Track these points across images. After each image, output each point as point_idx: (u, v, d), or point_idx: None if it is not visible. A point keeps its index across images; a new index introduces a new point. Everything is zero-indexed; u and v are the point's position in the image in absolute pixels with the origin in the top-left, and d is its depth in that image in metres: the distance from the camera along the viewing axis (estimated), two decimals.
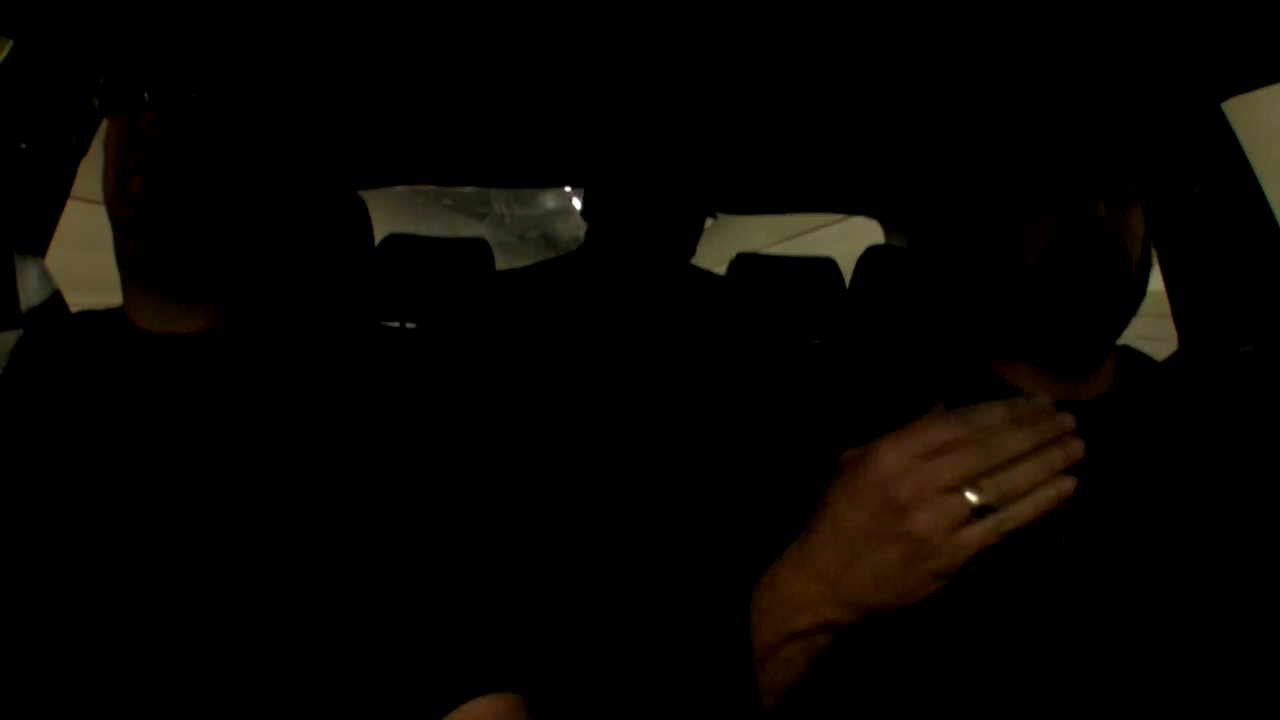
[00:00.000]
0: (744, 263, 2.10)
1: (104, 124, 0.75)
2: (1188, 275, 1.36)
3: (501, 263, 1.95)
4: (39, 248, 1.24)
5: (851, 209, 2.50)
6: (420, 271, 1.93)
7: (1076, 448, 0.53)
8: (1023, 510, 0.52)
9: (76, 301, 1.06)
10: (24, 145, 1.18)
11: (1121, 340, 0.76)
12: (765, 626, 0.59)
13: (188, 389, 0.71)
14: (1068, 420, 0.54)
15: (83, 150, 1.26)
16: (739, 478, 0.75)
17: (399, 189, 2.30)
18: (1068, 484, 0.52)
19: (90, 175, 1.23)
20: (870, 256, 2.00)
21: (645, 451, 1.25)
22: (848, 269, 2.05)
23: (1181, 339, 1.39)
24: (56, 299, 1.14)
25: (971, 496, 0.52)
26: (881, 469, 0.54)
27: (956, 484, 0.52)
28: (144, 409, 0.70)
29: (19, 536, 0.65)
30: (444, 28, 1.18)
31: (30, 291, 1.10)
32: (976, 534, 0.52)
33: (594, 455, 1.27)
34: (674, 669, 0.64)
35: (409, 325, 1.93)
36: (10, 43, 1.16)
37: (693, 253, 1.46)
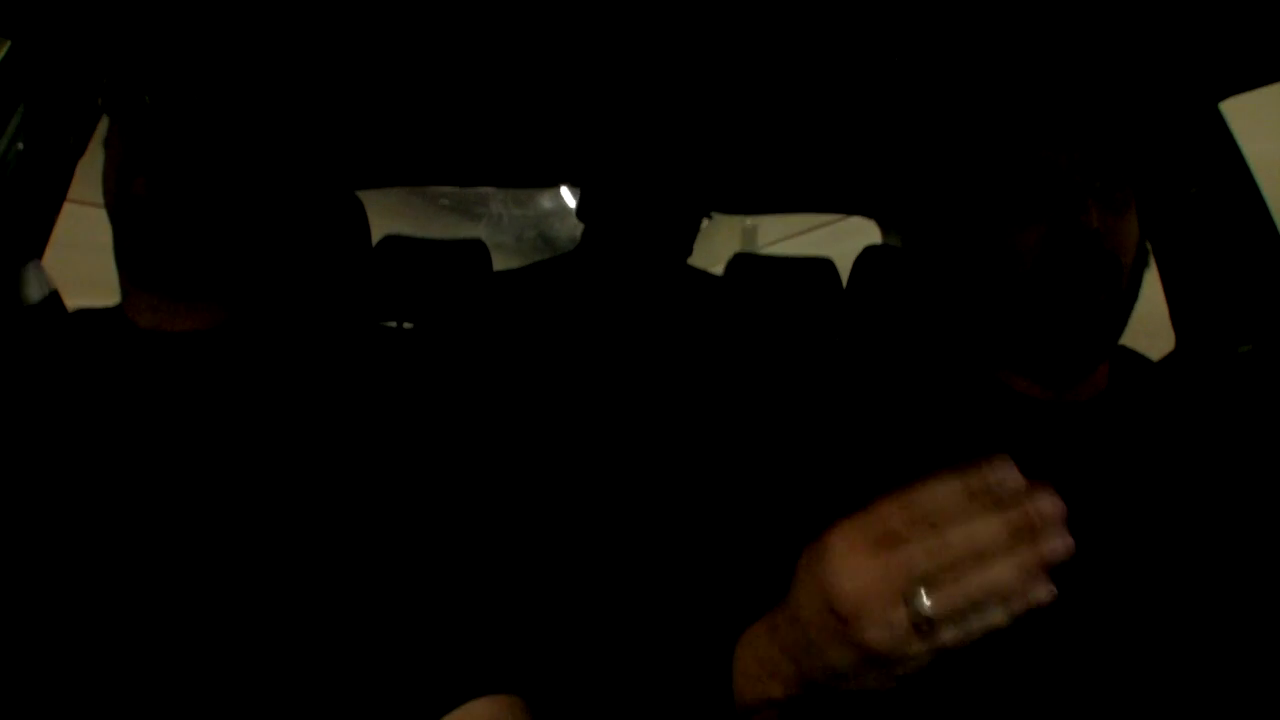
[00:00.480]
0: (741, 263, 2.10)
1: (102, 125, 0.75)
2: (1185, 275, 1.36)
3: (498, 263, 1.95)
4: (36, 249, 1.24)
5: (849, 209, 2.50)
6: (417, 272, 1.93)
7: (1058, 545, 0.45)
8: (988, 620, 0.46)
9: (76, 302, 1.05)
10: (21, 146, 1.18)
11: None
12: (745, 688, 0.58)
13: (186, 387, 0.71)
14: (1046, 505, 0.46)
15: (80, 151, 1.26)
16: (737, 478, 0.75)
17: (396, 189, 2.30)
18: (1043, 593, 0.45)
19: (81, 178, 1.23)
20: (867, 257, 2.00)
21: (641, 452, 1.25)
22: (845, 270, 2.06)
23: (1179, 339, 1.39)
24: (53, 299, 1.14)
25: (923, 608, 0.46)
26: (827, 562, 0.49)
27: (907, 590, 0.46)
28: (142, 407, 0.70)
29: (18, 535, 0.65)
30: (440, 28, 1.18)
31: (28, 292, 1.10)
32: (929, 651, 0.47)
33: (590, 455, 1.27)
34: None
35: (406, 325, 1.93)
36: (7, 43, 1.16)
37: (689, 253, 1.46)
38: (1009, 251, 0.70)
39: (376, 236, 1.90)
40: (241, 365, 0.73)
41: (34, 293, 1.10)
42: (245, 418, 0.70)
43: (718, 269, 2.06)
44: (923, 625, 0.46)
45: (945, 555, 0.46)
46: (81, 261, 1.32)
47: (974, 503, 0.46)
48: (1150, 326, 1.07)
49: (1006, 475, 0.46)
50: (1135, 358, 0.81)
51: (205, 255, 0.72)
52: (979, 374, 0.76)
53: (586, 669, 0.71)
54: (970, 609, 0.46)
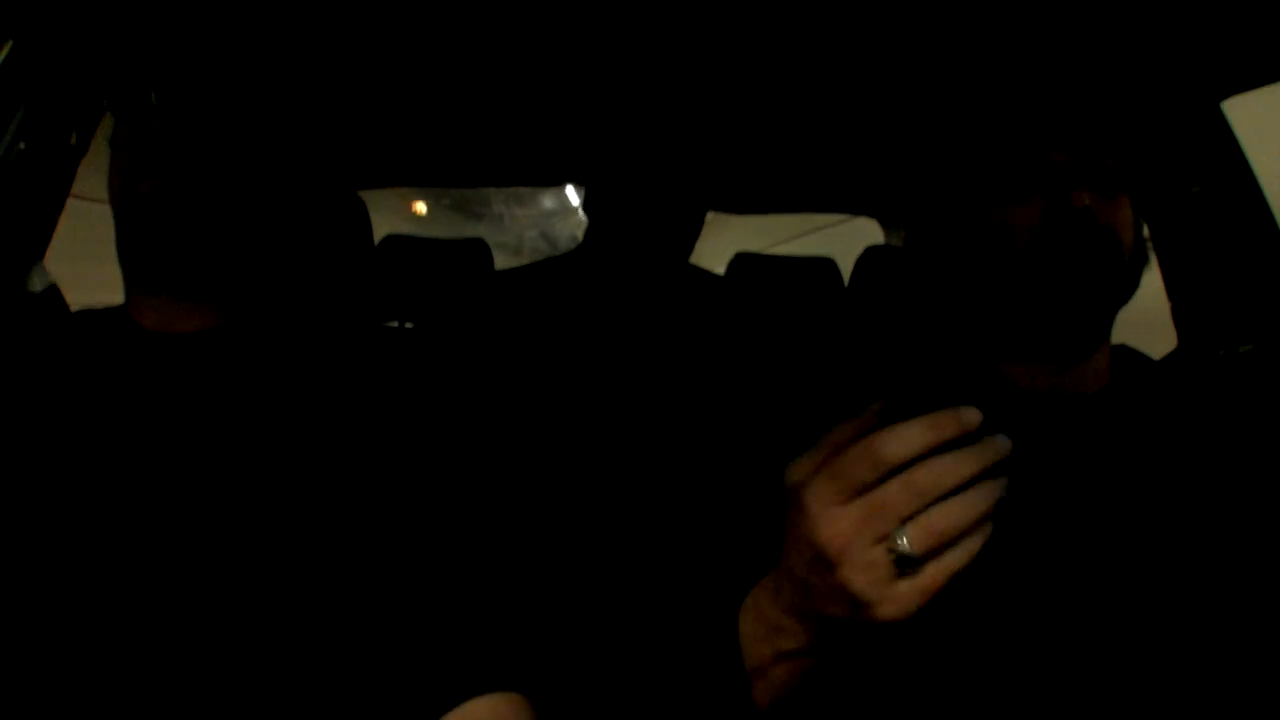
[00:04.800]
0: (742, 262, 2.11)
1: (103, 125, 0.75)
2: (1187, 274, 1.36)
3: (500, 263, 1.95)
4: (38, 248, 1.24)
5: (850, 209, 2.50)
6: (419, 271, 1.93)
7: (998, 446, 0.49)
8: (954, 560, 0.49)
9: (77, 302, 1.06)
10: (23, 145, 1.18)
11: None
12: (752, 650, 0.59)
13: (190, 386, 0.71)
14: (1000, 445, 0.49)
15: (82, 151, 1.26)
16: (736, 477, 0.75)
17: (399, 189, 2.30)
18: (980, 539, 0.49)
19: (84, 175, 1.24)
20: (869, 256, 2.00)
21: (643, 451, 1.25)
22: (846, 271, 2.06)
23: (1180, 338, 1.39)
24: (55, 298, 1.14)
25: (900, 546, 0.49)
26: (807, 518, 0.51)
27: (885, 532, 0.49)
28: (146, 406, 0.70)
29: (22, 534, 0.65)
30: (443, 27, 1.18)
31: (29, 291, 1.10)
32: (914, 590, 0.49)
33: (592, 454, 1.27)
34: (668, 692, 0.63)
35: (408, 325, 1.93)
36: (9, 43, 1.16)
37: (691, 251, 1.46)
38: (1004, 234, 0.72)
39: (378, 236, 1.90)
40: (245, 366, 0.73)
41: (36, 293, 1.11)
42: (249, 418, 0.70)
43: (719, 269, 2.06)
44: (904, 560, 0.49)
45: (915, 499, 0.48)
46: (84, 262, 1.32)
47: (932, 444, 0.49)
48: (1151, 326, 1.07)
49: (961, 414, 0.49)
50: (1137, 356, 0.81)
51: (210, 256, 0.72)
52: (982, 369, 0.76)
53: (592, 657, 0.72)
54: (942, 544, 0.48)
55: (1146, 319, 0.90)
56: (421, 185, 2.34)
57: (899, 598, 0.50)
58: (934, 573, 0.49)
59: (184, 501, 0.66)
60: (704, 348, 1.36)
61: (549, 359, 1.32)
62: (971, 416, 0.49)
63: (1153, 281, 0.76)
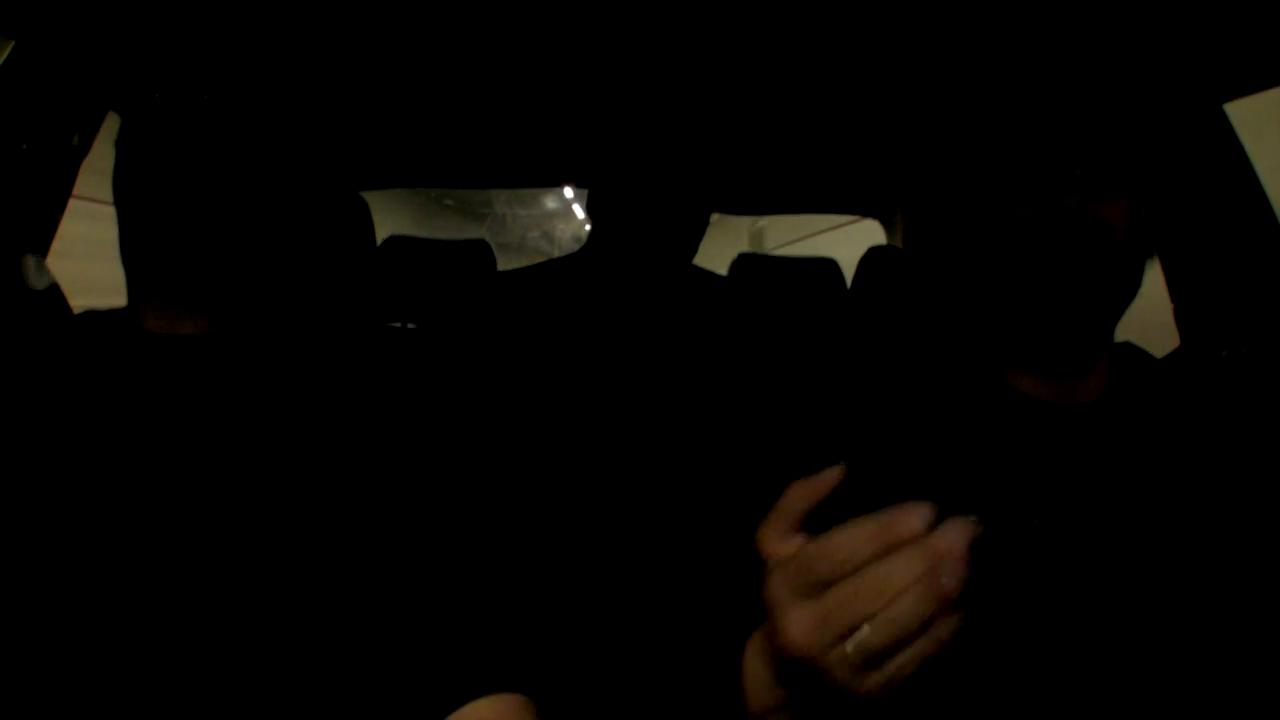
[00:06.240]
0: (746, 263, 2.10)
1: (106, 125, 0.75)
2: (1189, 275, 1.36)
3: (503, 263, 1.95)
4: (40, 249, 1.25)
5: (853, 210, 2.50)
6: (422, 272, 1.93)
7: (950, 582, 0.48)
8: (923, 648, 0.49)
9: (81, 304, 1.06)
10: (25, 146, 1.18)
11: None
12: (753, 693, 0.59)
13: (193, 389, 0.71)
14: (946, 541, 0.48)
15: (84, 151, 1.26)
16: (740, 478, 0.75)
17: (401, 190, 2.31)
18: (944, 630, 0.48)
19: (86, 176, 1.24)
20: (872, 257, 2.00)
21: (647, 452, 1.25)
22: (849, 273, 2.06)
23: (1183, 339, 1.39)
24: (57, 297, 1.14)
25: (864, 643, 0.49)
26: (774, 621, 0.53)
27: (847, 628, 0.49)
28: (150, 408, 0.70)
29: (26, 535, 0.65)
30: (445, 28, 1.19)
31: (29, 286, 1.10)
32: (885, 679, 0.49)
33: (596, 455, 1.27)
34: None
35: (410, 326, 1.93)
36: (11, 43, 1.16)
37: (695, 252, 1.46)
38: (997, 234, 0.72)
39: (380, 237, 1.90)
40: (248, 368, 0.74)
41: (38, 294, 1.11)
42: (252, 420, 0.70)
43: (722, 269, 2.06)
44: (867, 658, 0.49)
45: (873, 592, 0.49)
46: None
47: (886, 544, 0.49)
48: (1153, 327, 1.07)
49: (909, 517, 0.49)
50: (1139, 354, 0.81)
51: (213, 258, 0.72)
52: (984, 376, 0.76)
53: (594, 668, 0.71)
54: (909, 635, 0.48)
55: (1148, 320, 0.90)
56: (423, 186, 2.34)
57: (872, 686, 0.50)
58: (902, 663, 0.49)
59: (187, 503, 0.66)
60: (707, 349, 1.36)
61: (552, 360, 1.32)
62: (920, 520, 0.49)
63: (1155, 282, 0.76)
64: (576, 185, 2.50)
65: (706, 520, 0.75)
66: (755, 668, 0.59)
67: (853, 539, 0.50)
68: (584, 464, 1.26)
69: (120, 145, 0.73)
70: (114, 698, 0.62)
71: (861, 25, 1.13)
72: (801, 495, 0.54)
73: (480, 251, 1.98)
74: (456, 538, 0.70)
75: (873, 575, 0.49)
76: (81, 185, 1.27)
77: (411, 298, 1.92)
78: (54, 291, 1.14)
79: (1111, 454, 0.70)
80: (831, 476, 0.53)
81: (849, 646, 0.49)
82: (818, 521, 0.59)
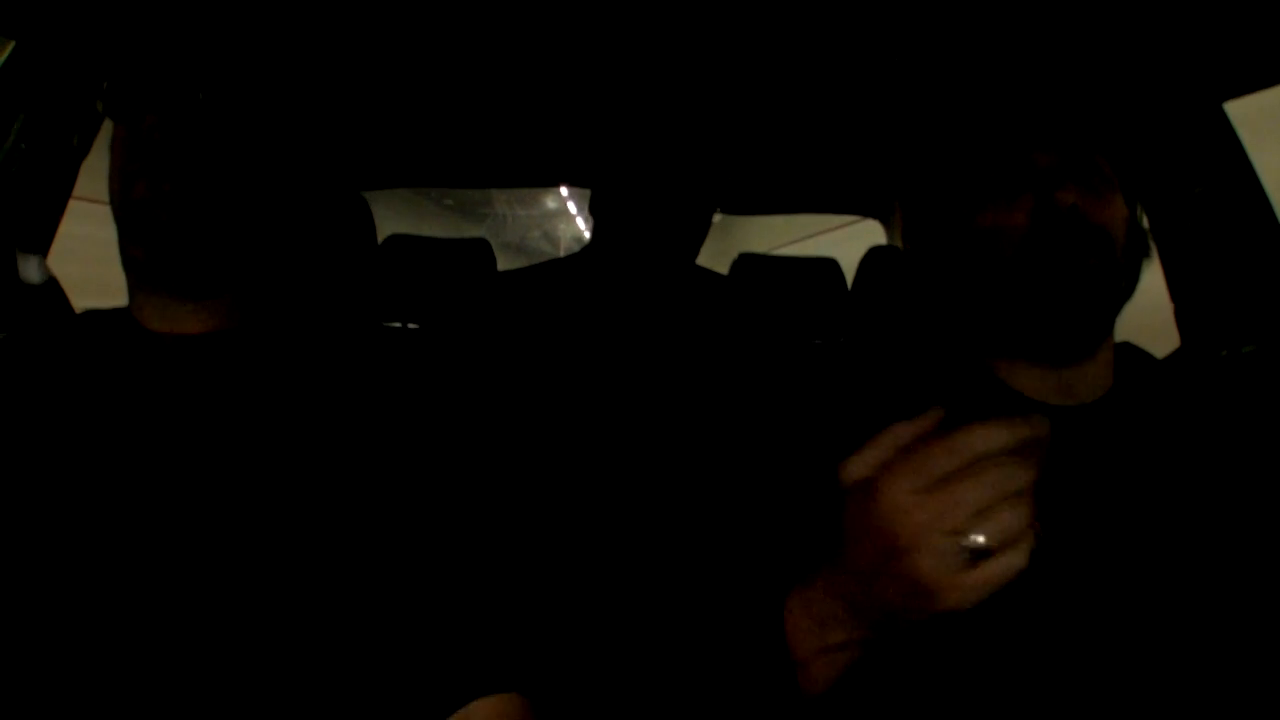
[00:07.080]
0: (747, 263, 2.10)
1: (106, 126, 0.75)
2: (1189, 275, 1.36)
3: (503, 263, 1.95)
4: (40, 249, 1.25)
5: (854, 210, 2.50)
6: (422, 272, 1.93)
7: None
8: (1017, 558, 0.51)
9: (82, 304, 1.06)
10: (24, 146, 1.18)
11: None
12: (799, 642, 0.60)
13: (193, 388, 0.71)
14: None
15: (84, 151, 1.26)
16: (743, 478, 0.75)
17: (401, 190, 2.31)
18: (1031, 545, 0.51)
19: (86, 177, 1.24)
20: (873, 257, 2.00)
21: (648, 451, 1.25)
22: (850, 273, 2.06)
23: (1183, 339, 1.38)
24: (57, 295, 1.14)
25: (974, 540, 0.51)
26: (882, 506, 0.53)
27: (959, 525, 0.51)
28: (150, 408, 0.70)
29: (27, 536, 0.65)
30: (446, 28, 1.19)
31: (30, 291, 1.10)
32: (981, 580, 0.51)
33: (597, 455, 1.27)
34: (711, 683, 0.64)
35: (411, 326, 1.93)
36: (11, 44, 1.16)
37: (697, 252, 1.46)
38: (992, 233, 0.72)
39: (381, 236, 1.90)
40: (249, 367, 0.74)
41: (38, 293, 1.11)
42: (253, 419, 0.70)
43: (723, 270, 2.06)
44: (976, 555, 0.51)
45: (990, 496, 0.51)
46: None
47: (1012, 445, 0.52)
48: (1154, 327, 1.07)
49: (1037, 428, 0.52)
50: (1141, 354, 0.81)
51: (210, 257, 0.72)
52: (984, 377, 0.76)
53: (595, 667, 0.72)
54: (1008, 542, 0.51)
55: (1148, 320, 0.90)
56: (425, 185, 2.34)
57: (965, 587, 0.51)
58: (999, 567, 0.51)
59: (189, 503, 0.66)
60: (709, 348, 1.36)
61: (553, 360, 1.32)
62: (1044, 427, 0.52)
63: (1155, 281, 0.76)
64: (577, 185, 2.50)
65: (706, 520, 0.75)
66: (799, 618, 0.60)
67: (985, 434, 0.52)
68: (584, 463, 1.26)
69: (113, 149, 0.73)
70: (116, 698, 0.62)
71: (862, 25, 1.13)
72: (903, 431, 0.55)
73: (480, 251, 1.98)
74: (457, 538, 0.70)
75: (995, 473, 0.51)
76: (81, 185, 1.27)
77: (412, 298, 1.92)
78: (54, 290, 1.14)
79: (1115, 453, 0.70)
80: (932, 418, 0.54)
81: (962, 537, 0.51)
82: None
